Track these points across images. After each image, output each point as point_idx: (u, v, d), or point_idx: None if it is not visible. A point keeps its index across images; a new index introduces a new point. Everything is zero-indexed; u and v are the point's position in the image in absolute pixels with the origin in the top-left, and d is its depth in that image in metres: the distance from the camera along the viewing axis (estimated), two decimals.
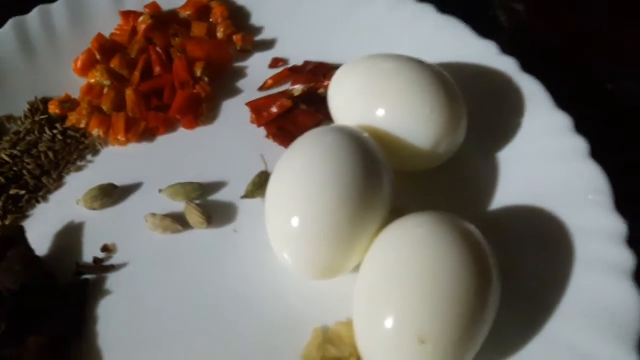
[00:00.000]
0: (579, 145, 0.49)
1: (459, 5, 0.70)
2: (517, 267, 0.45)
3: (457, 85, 0.52)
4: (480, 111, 0.54)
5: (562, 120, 0.51)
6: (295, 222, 0.42)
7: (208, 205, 0.52)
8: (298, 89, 0.59)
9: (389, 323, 0.37)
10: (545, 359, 0.40)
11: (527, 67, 0.56)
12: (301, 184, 0.43)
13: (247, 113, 0.59)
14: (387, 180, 0.45)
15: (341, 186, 0.42)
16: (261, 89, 0.61)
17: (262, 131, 0.57)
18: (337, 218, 0.41)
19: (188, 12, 0.65)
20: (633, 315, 0.40)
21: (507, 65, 0.56)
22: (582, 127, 0.51)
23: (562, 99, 0.53)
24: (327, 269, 0.43)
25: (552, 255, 0.45)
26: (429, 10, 0.61)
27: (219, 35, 0.64)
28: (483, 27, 0.67)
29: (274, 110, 0.56)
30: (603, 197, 0.46)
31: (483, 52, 0.57)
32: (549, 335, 0.41)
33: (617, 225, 0.44)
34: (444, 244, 0.39)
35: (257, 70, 0.63)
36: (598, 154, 0.49)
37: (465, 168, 0.53)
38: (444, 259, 0.38)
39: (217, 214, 0.52)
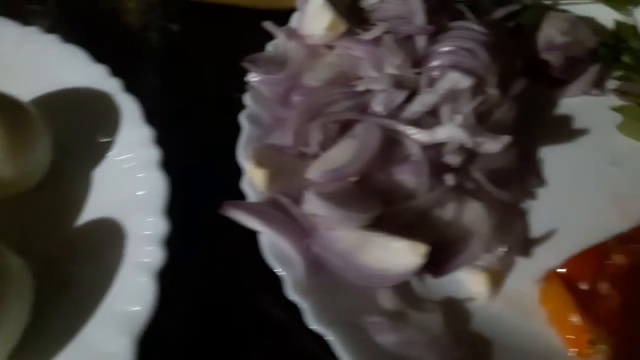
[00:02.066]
0: (155, 155, 0.54)
1: (112, 27, 0.75)
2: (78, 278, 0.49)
3: (64, 109, 0.56)
4: (84, 131, 0.58)
5: (147, 134, 0.56)
6: None
7: None
8: None
9: None
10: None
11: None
12: None
13: None
14: None
15: None
16: None
17: None
18: None
19: None
20: (145, 310, 0.44)
21: (113, 86, 0.60)
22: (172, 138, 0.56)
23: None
24: None
25: (108, 261, 0.49)
26: (53, 41, 0.64)
27: None
28: (136, 49, 0.72)
29: None
30: (158, 202, 0.51)
31: (95, 76, 0.61)
32: (81, 339, 0.45)
33: (161, 227, 0.49)
34: None
35: None
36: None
37: (64, 187, 0.56)
38: None
39: None
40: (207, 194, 0.53)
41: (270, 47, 0.65)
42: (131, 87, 0.61)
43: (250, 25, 0.71)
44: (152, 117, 0.58)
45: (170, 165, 0.54)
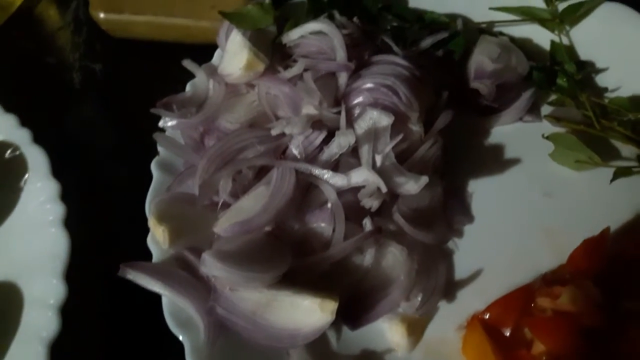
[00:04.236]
0: (59, 212, 0.51)
1: (31, 68, 0.72)
2: None
3: None
4: None
5: (52, 189, 0.53)
6: None
7: None
8: None
9: None
10: None
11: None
12: None
13: None
14: None
15: None
16: None
17: None
18: None
19: None
20: None
21: (22, 137, 0.57)
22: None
23: None
24: None
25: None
26: None
27: None
28: (57, 91, 0.69)
29: None
30: (57, 264, 0.48)
31: (3, 126, 0.59)
32: None
33: (58, 292, 0.46)
34: None
35: None
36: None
37: None
38: None
39: None
40: (113, 251, 0.51)
41: (189, 87, 0.62)
42: (47, 135, 0.59)
43: (177, 61, 0.69)
44: (64, 167, 0.56)
45: (77, 221, 0.52)
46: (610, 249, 0.52)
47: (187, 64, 0.63)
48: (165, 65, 0.72)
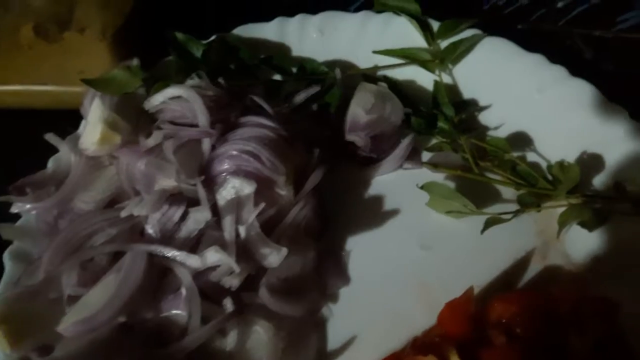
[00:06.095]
0: None
1: None
2: None
3: None
4: None
5: None
6: None
7: None
8: None
9: None
10: None
11: None
12: None
13: None
14: None
15: None
16: None
17: None
18: None
19: None
20: None
21: None
22: None
23: None
24: None
25: None
26: None
27: None
28: None
29: None
30: None
31: None
32: None
33: None
34: None
35: None
36: None
37: None
38: None
39: None
40: None
41: (51, 163, 0.59)
42: None
43: (53, 129, 0.65)
44: None
45: None
46: (479, 308, 0.51)
47: (50, 137, 0.60)
48: (40, 134, 0.69)
